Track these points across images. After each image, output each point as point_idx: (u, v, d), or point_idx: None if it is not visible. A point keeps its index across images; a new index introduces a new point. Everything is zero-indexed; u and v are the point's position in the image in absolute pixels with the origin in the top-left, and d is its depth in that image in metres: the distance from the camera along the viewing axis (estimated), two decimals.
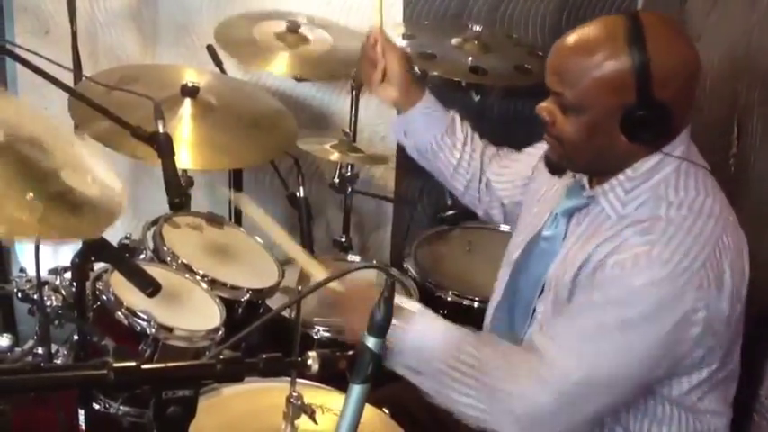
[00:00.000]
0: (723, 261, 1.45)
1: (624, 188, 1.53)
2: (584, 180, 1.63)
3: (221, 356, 1.10)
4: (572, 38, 1.50)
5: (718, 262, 1.45)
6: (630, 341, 1.44)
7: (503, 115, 2.96)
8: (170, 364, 1.06)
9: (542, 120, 1.57)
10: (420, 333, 1.53)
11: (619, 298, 1.44)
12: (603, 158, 1.54)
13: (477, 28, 2.62)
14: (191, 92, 2.34)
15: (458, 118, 1.99)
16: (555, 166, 1.64)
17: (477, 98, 2.71)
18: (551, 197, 1.75)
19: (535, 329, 1.60)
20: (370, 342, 1.16)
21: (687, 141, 1.55)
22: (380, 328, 1.15)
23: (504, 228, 2.61)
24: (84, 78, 2.44)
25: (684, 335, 1.44)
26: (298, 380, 1.38)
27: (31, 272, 1.72)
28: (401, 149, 3.01)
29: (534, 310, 1.66)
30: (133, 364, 1.03)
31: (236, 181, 2.78)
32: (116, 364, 1.02)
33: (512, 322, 1.73)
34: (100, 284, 1.78)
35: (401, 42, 2.63)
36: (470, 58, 2.56)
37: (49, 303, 1.75)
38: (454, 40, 2.63)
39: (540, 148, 1.82)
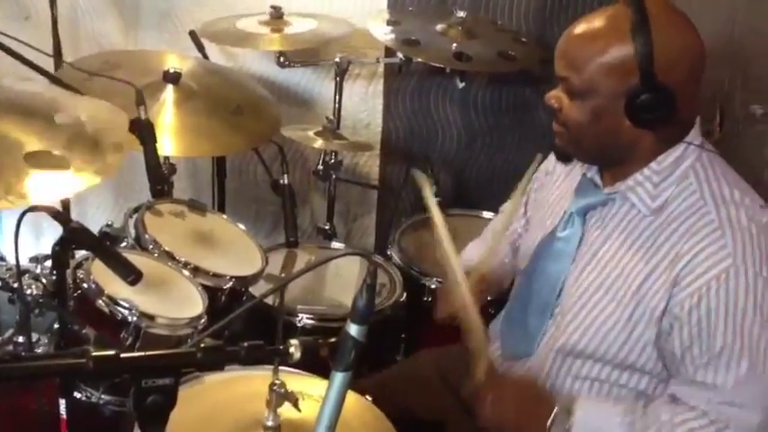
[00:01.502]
0: None
1: (652, 182, 1.54)
2: (596, 177, 1.64)
3: (202, 345, 1.09)
4: (579, 25, 1.53)
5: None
6: None
7: (487, 101, 2.96)
8: (150, 353, 1.05)
9: (550, 107, 1.58)
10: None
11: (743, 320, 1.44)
12: (609, 144, 1.55)
13: (462, 14, 2.62)
14: (173, 78, 2.33)
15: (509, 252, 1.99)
16: (562, 152, 1.65)
17: (461, 84, 2.70)
18: (562, 197, 1.76)
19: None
20: (353, 329, 1.15)
21: (699, 131, 1.57)
22: (363, 315, 1.14)
23: (488, 215, 2.62)
24: (64, 64, 2.42)
25: None
26: (280, 367, 1.37)
27: (11, 260, 1.70)
28: (386, 136, 3.02)
29: (552, 313, 1.67)
30: (112, 352, 1.02)
31: (220, 168, 2.77)
32: (95, 353, 1.01)
33: (525, 323, 1.73)
34: (81, 273, 1.76)
35: (386, 29, 2.62)
36: (455, 45, 2.55)
37: (29, 292, 1.74)
38: (438, 27, 2.63)
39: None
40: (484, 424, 1.57)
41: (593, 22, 1.52)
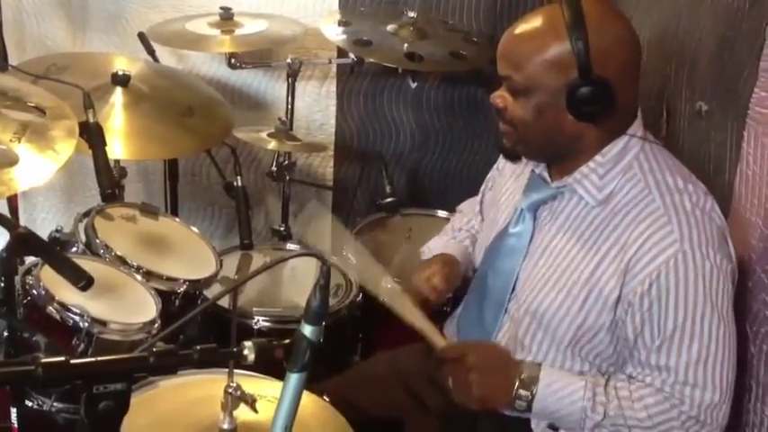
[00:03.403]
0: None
1: (598, 174, 1.58)
2: (545, 172, 1.67)
3: (154, 349, 1.08)
4: (518, 25, 1.58)
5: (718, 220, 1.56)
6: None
7: (439, 101, 2.98)
8: (100, 358, 1.03)
9: (496, 107, 1.61)
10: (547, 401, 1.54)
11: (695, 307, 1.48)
12: (554, 139, 1.58)
13: (413, 14, 2.62)
14: (122, 80, 2.30)
15: (468, 243, 2.01)
16: (509, 152, 1.68)
17: (413, 84, 2.71)
18: (514, 194, 1.78)
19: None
20: (307, 330, 1.15)
21: (641, 123, 1.61)
22: (316, 316, 1.14)
23: (443, 214, 2.64)
24: (10, 68, 2.38)
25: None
26: (235, 370, 1.36)
27: None
28: (339, 137, 3.02)
29: (507, 309, 1.69)
30: (62, 359, 1.00)
31: (172, 171, 2.75)
32: (44, 360, 1.00)
33: (481, 318, 1.75)
34: (30, 279, 1.73)
35: (337, 29, 2.62)
36: (406, 45, 2.56)
37: None
38: (390, 27, 2.63)
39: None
40: (454, 396, 1.58)
41: (530, 22, 1.56)
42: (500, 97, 1.60)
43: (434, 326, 1.67)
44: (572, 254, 1.59)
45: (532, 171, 1.70)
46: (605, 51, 1.50)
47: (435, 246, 2.01)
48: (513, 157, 1.70)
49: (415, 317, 1.66)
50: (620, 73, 1.53)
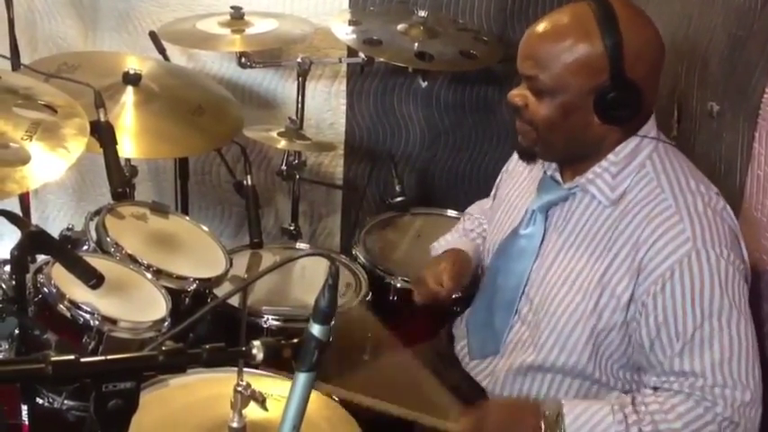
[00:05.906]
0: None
1: (611, 173, 1.56)
2: (557, 174, 1.66)
3: (164, 347, 1.09)
4: (544, 23, 1.54)
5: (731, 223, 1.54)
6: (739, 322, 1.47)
7: (449, 100, 2.97)
8: (110, 357, 1.04)
9: (514, 106, 1.58)
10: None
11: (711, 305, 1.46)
12: (577, 141, 1.57)
13: (423, 14, 2.62)
14: (133, 79, 2.31)
15: (477, 241, 2.00)
16: (526, 152, 1.66)
17: (424, 84, 2.71)
18: (524, 195, 1.77)
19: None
20: (315, 329, 1.15)
21: (654, 123, 1.60)
22: (325, 315, 1.14)
23: (452, 213, 2.63)
24: (22, 66, 2.39)
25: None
26: (245, 369, 1.36)
27: None
28: (349, 136, 3.02)
29: (517, 310, 1.68)
30: (72, 357, 1.01)
31: (182, 170, 2.75)
32: (55, 358, 1.00)
33: (491, 320, 1.74)
34: (41, 277, 1.74)
35: (348, 29, 2.62)
36: (416, 44, 2.56)
37: None
38: (400, 26, 2.63)
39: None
40: None
41: (557, 20, 1.53)
42: (519, 96, 1.57)
43: (437, 416, 1.61)
44: (585, 255, 1.58)
45: (544, 172, 1.69)
46: (636, 54, 1.48)
47: (446, 242, 2.00)
48: (530, 156, 1.68)
49: (415, 413, 1.61)
50: (648, 74, 1.52)
